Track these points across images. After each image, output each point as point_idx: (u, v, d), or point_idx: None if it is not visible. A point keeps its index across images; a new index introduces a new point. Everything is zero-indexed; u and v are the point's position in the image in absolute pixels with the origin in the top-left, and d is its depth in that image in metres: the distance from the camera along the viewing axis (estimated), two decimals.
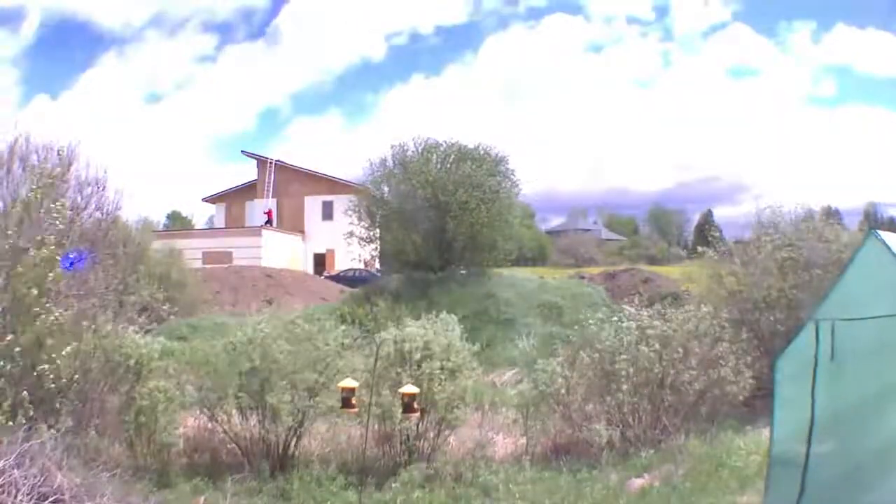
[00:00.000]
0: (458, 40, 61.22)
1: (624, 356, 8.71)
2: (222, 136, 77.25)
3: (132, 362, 7.62)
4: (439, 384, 7.98)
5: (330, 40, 67.51)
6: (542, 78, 64.76)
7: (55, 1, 72.59)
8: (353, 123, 68.43)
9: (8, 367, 6.18)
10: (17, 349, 6.15)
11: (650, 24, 62.91)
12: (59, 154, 7.10)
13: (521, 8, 62.16)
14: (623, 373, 8.60)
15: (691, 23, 63.02)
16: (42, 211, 6.65)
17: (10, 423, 5.66)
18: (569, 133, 70.54)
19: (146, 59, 69.10)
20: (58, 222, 6.67)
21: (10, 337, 6.14)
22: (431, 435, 8.32)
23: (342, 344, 8.59)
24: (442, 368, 8.08)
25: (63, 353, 6.44)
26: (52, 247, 6.40)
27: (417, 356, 8.14)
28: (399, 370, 8.07)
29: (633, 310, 9.59)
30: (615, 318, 9.49)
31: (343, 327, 9.01)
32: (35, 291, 6.23)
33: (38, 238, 6.40)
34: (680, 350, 8.83)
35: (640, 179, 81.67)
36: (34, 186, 6.74)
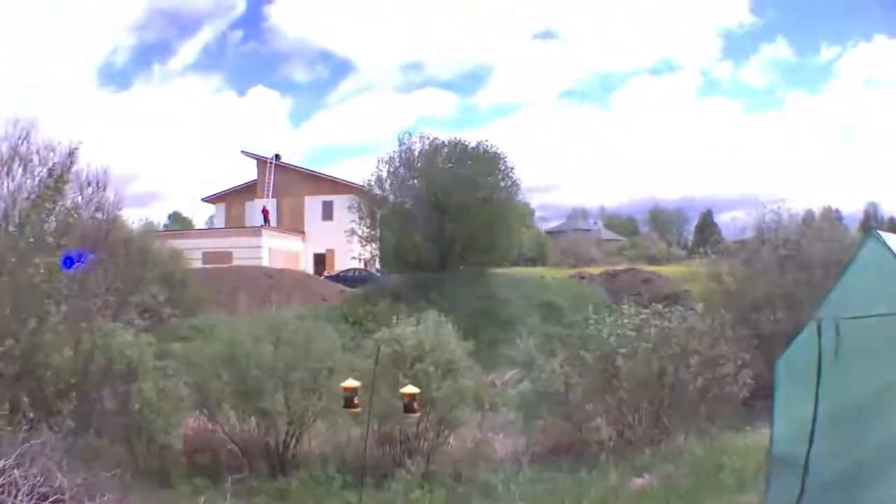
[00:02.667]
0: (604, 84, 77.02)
1: (622, 356, 8.70)
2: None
3: (125, 363, 7.60)
4: (436, 384, 7.97)
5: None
6: (657, 114, 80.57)
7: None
8: None
9: (9, 368, 6.17)
10: (17, 351, 6.14)
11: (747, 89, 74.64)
12: (52, 154, 7.06)
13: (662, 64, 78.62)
14: (621, 373, 8.60)
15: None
16: (43, 214, 6.65)
17: (10, 425, 5.64)
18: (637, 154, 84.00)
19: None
20: (54, 224, 6.66)
21: (9, 341, 6.13)
22: (431, 435, 8.32)
23: (342, 344, 8.60)
24: (436, 367, 8.06)
25: (62, 354, 6.43)
26: (51, 248, 6.39)
27: (412, 355, 8.13)
28: (395, 370, 8.06)
29: (631, 309, 9.59)
30: (612, 319, 9.49)
31: (332, 328, 8.96)
32: (35, 293, 6.22)
33: (36, 240, 6.39)
34: (678, 349, 8.82)
35: (672, 189, 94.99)
36: (37, 191, 6.73)
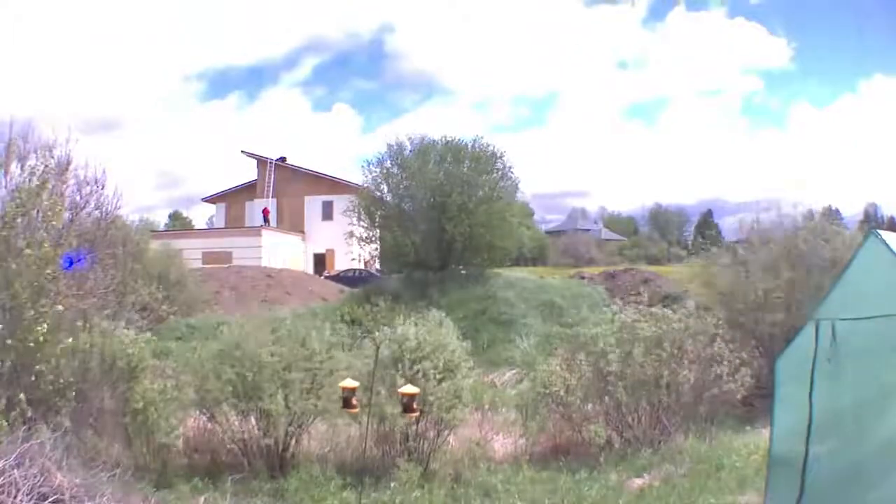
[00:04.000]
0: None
1: (615, 357, 8.69)
2: None
3: (123, 362, 7.60)
4: (434, 384, 7.97)
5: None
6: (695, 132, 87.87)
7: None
8: None
9: (6, 365, 6.17)
10: (15, 350, 6.14)
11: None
12: (51, 153, 7.05)
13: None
14: (617, 374, 8.59)
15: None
16: (36, 210, 6.64)
17: (8, 424, 5.64)
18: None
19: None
20: (53, 221, 6.66)
21: (8, 341, 6.12)
22: (431, 435, 8.31)
23: (342, 343, 8.59)
24: (435, 367, 8.06)
25: (59, 351, 6.42)
26: (47, 246, 6.38)
27: (411, 356, 8.12)
28: (393, 371, 8.05)
29: (621, 309, 9.60)
30: (606, 320, 9.49)
31: (328, 325, 8.94)
32: (31, 291, 6.22)
33: (34, 236, 6.38)
34: (669, 349, 8.81)
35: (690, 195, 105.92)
36: (26, 185, 6.72)
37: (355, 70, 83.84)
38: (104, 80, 74.69)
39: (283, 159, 43.83)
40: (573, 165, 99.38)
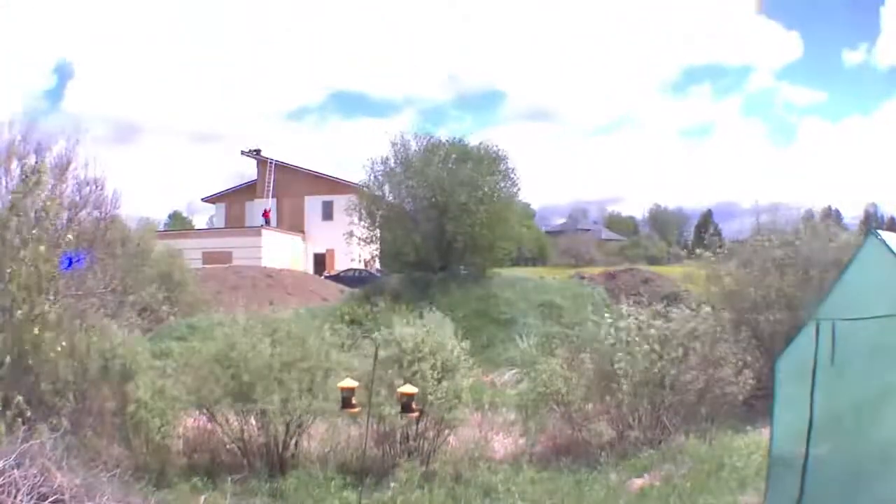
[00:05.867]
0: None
1: (621, 356, 8.69)
2: None
3: (120, 362, 7.58)
4: (433, 384, 7.96)
5: None
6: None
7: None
8: None
9: (5, 365, 6.16)
10: (14, 349, 6.14)
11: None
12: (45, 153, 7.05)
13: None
14: (621, 372, 8.58)
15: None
16: (34, 210, 6.63)
17: (6, 424, 5.64)
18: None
19: None
20: (48, 221, 6.64)
21: (6, 342, 6.12)
22: (431, 435, 8.31)
23: (341, 343, 8.59)
24: (433, 367, 8.06)
25: (58, 351, 6.42)
26: (44, 246, 6.38)
27: (409, 357, 8.12)
28: (390, 371, 8.05)
29: (630, 309, 9.58)
30: (611, 320, 9.48)
31: (327, 326, 8.92)
32: (29, 291, 6.21)
33: (32, 235, 6.37)
34: (679, 350, 8.81)
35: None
36: (21, 184, 6.71)
37: (472, 106, 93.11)
38: (218, 95, 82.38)
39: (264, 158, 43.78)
40: (618, 176, 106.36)
